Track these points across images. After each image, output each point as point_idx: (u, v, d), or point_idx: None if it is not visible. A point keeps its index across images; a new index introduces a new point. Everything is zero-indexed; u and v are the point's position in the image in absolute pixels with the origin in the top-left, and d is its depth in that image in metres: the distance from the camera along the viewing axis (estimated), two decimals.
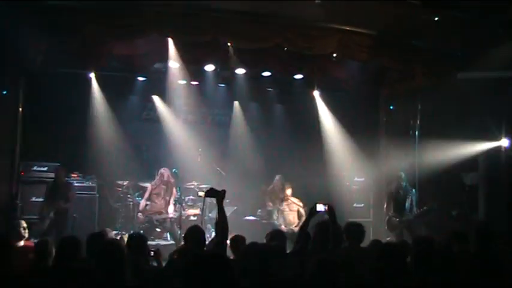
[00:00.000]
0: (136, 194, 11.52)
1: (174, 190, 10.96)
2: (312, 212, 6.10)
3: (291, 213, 11.26)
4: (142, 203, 10.78)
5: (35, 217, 9.99)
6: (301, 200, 11.33)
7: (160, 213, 10.59)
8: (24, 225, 7.44)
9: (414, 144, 12.24)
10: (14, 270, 4.66)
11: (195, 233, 5.63)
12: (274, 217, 11.34)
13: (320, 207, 6.02)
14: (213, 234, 9.91)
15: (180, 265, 4.85)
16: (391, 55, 10.56)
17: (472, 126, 10.75)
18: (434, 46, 10.63)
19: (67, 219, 10.14)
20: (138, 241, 5.69)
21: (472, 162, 11.01)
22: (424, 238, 6.20)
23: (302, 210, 11.16)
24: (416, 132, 12.26)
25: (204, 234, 5.80)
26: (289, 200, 11.31)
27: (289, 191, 11.36)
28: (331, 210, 5.97)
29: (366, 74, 11.88)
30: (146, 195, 10.83)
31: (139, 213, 10.64)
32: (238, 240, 6.07)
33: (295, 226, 10.95)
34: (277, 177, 11.69)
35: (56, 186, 10.29)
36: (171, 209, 10.78)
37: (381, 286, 4.37)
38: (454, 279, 4.75)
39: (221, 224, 5.56)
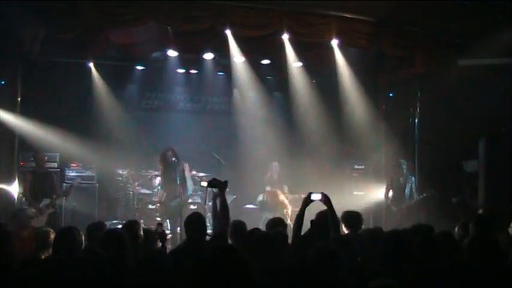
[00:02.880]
0: (136, 183, 11.50)
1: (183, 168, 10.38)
2: (306, 201, 6.06)
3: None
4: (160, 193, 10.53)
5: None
6: (295, 188, 11.37)
7: (175, 196, 10.11)
8: (29, 214, 7.44)
9: (414, 132, 12.22)
10: (15, 260, 4.66)
11: (196, 220, 5.62)
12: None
13: (315, 196, 5.98)
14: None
15: (186, 254, 4.84)
16: (390, 42, 10.51)
17: (471, 113, 10.72)
18: (434, 32, 10.58)
19: (61, 214, 10.18)
20: (131, 228, 5.68)
21: (472, 149, 10.99)
22: (423, 225, 6.20)
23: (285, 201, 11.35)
24: (416, 120, 12.23)
25: (205, 221, 5.80)
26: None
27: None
28: (327, 199, 5.94)
29: (364, 61, 11.84)
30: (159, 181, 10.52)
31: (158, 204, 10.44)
32: (238, 225, 6.05)
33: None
34: (275, 163, 11.70)
35: (39, 175, 10.03)
36: (190, 187, 10.40)
37: (383, 272, 4.37)
38: (454, 266, 4.76)
39: (223, 213, 5.59)
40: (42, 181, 9.97)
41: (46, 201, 9.72)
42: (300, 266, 4.36)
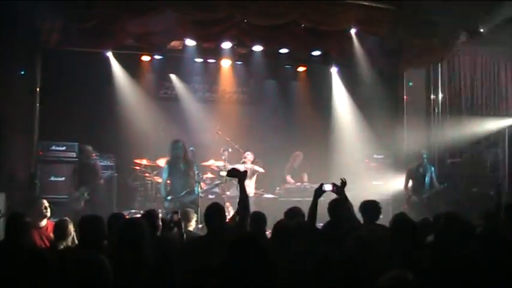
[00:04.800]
0: (154, 172, 11.50)
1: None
2: (318, 192, 6.01)
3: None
4: None
5: (53, 196, 9.98)
6: (316, 178, 11.31)
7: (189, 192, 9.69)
8: (46, 204, 7.48)
9: (434, 121, 12.10)
10: (35, 249, 4.67)
11: (216, 210, 5.61)
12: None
13: (326, 187, 5.96)
14: (231, 212, 9.87)
15: (206, 243, 4.83)
16: (410, 30, 10.38)
17: (493, 102, 10.59)
18: (454, 20, 10.43)
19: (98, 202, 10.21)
20: (149, 217, 5.68)
21: (494, 138, 10.86)
22: (445, 214, 6.11)
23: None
24: (436, 109, 12.10)
25: (224, 210, 5.79)
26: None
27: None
28: (339, 189, 5.89)
29: (384, 49, 11.72)
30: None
31: None
32: (258, 216, 6.02)
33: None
34: (298, 153, 11.66)
35: (84, 165, 10.23)
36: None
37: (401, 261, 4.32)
38: (475, 254, 4.70)
39: (243, 202, 5.57)
40: (86, 170, 10.15)
41: (82, 190, 9.87)
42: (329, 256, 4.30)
